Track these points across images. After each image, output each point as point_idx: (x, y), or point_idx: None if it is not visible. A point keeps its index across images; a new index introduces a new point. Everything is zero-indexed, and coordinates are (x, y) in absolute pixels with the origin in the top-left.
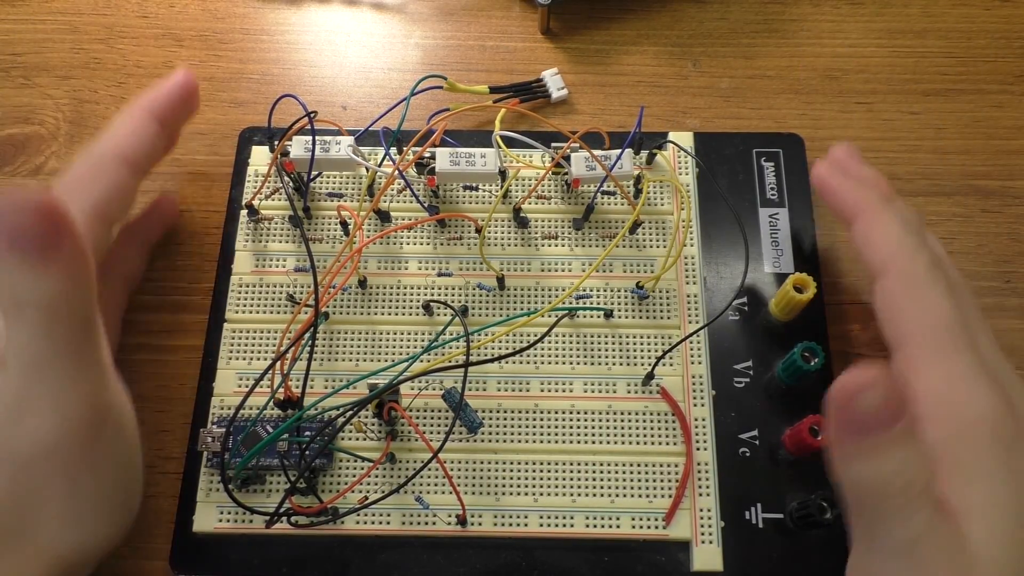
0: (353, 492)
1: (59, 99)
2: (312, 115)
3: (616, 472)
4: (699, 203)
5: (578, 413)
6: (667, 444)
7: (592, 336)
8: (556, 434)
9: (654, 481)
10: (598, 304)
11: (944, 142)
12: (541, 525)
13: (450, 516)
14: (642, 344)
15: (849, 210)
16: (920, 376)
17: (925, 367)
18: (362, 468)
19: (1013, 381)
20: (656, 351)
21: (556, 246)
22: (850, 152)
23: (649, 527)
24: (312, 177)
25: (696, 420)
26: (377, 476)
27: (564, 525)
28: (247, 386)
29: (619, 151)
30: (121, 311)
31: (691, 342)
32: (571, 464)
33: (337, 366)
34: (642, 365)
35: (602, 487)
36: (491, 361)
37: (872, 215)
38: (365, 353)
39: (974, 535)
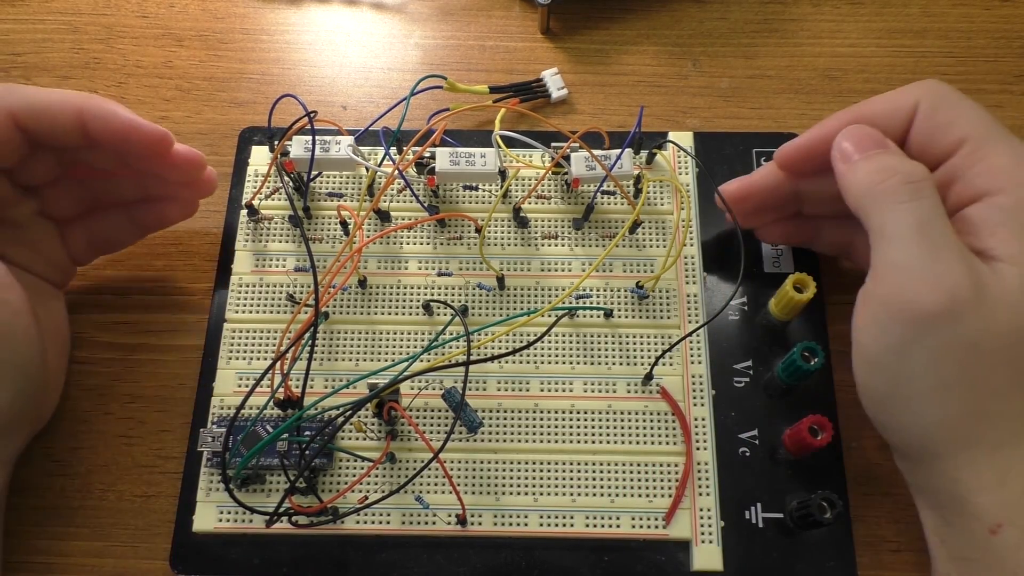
0: (353, 492)
1: None
2: (312, 115)
3: (616, 472)
4: (699, 203)
5: (578, 413)
6: (667, 444)
7: (592, 336)
8: (556, 434)
9: (654, 481)
10: (598, 304)
11: None
12: (541, 525)
13: (450, 516)
14: (642, 344)
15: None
16: (988, 158)
17: (993, 151)
18: (362, 468)
19: None
20: (656, 351)
21: (556, 246)
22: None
23: (649, 527)
24: (312, 177)
25: (696, 420)
26: (377, 476)
27: (564, 525)
28: (247, 386)
29: (619, 151)
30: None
31: (691, 342)
32: (571, 464)
33: (337, 366)
34: (642, 365)
35: (602, 487)
36: (491, 360)
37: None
38: (365, 353)
39: (1009, 274)
